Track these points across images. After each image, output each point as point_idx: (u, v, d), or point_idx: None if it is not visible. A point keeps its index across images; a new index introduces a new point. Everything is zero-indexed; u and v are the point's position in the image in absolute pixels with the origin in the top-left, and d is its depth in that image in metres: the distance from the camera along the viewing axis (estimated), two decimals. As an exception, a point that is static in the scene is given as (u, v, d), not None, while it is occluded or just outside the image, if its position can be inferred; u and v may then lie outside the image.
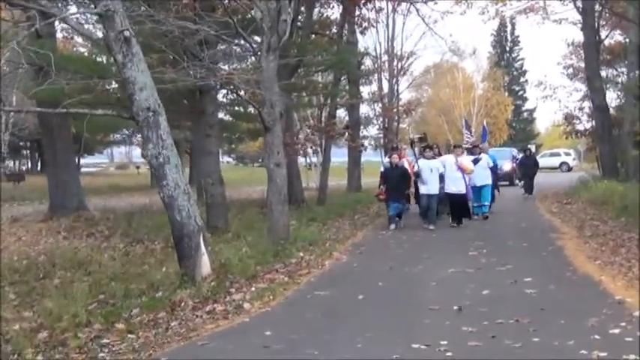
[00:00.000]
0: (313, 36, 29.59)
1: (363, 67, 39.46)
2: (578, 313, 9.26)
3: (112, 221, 23.07)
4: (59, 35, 34.18)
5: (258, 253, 14.78)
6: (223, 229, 18.98)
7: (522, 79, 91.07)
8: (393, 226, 20.40)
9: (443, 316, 9.51)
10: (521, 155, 37.66)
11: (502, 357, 7.49)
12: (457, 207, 20.98)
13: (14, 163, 71.12)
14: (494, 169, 24.50)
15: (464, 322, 9.02)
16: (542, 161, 63.08)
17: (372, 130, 47.05)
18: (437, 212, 20.94)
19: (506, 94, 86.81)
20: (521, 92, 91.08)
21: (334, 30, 32.04)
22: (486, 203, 23.13)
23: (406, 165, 21.43)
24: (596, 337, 8.06)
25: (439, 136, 74.34)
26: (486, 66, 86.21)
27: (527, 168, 32.30)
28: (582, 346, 7.61)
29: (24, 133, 54.47)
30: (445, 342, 8.03)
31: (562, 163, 66.03)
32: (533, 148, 57.04)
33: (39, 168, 65.70)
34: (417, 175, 20.77)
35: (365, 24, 33.37)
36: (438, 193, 20.66)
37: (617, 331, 8.30)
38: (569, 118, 38.24)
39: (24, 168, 69.08)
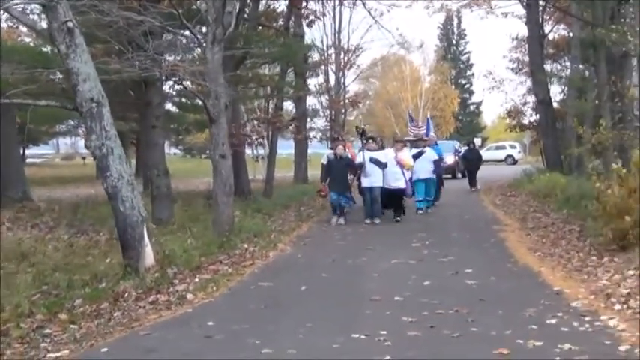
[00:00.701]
0: (260, 28, 29.55)
1: (310, 59, 39.45)
2: (516, 304, 9.43)
3: (57, 212, 22.86)
4: (4, 25, 33.97)
5: (203, 245, 14.82)
6: (169, 220, 18.93)
7: (469, 73, 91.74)
8: (334, 220, 20.13)
9: (384, 306, 9.64)
10: (464, 149, 37.93)
11: (440, 346, 7.61)
12: (394, 202, 20.66)
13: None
14: (438, 163, 24.44)
15: (404, 312, 9.14)
16: (488, 154, 63.95)
17: (319, 122, 47.04)
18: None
19: (453, 87, 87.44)
20: (467, 85, 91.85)
21: (281, 22, 32.00)
22: (429, 198, 23.07)
23: (350, 156, 21.41)
24: (533, 326, 8.23)
25: (386, 128, 74.68)
26: (433, 59, 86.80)
27: (471, 162, 32.59)
28: (519, 336, 7.74)
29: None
30: (385, 332, 8.14)
31: (507, 156, 66.73)
32: (479, 141, 57.60)
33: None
34: (361, 167, 20.40)
35: (311, 16, 33.48)
36: (381, 185, 20.20)
37: (553, 321, 8.47)
38: (512, 112, 38.68)
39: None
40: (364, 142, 21.54)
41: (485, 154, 63.96)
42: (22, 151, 75.07)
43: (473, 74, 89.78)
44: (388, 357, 7.17)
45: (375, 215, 20.13)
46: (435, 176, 23.71)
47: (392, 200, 20.60)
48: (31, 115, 29.43)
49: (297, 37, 32.13)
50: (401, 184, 20.48)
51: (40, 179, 41.88)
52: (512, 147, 68.59)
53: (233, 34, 21.37)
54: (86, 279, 11.76)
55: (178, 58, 20.51)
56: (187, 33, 18.03)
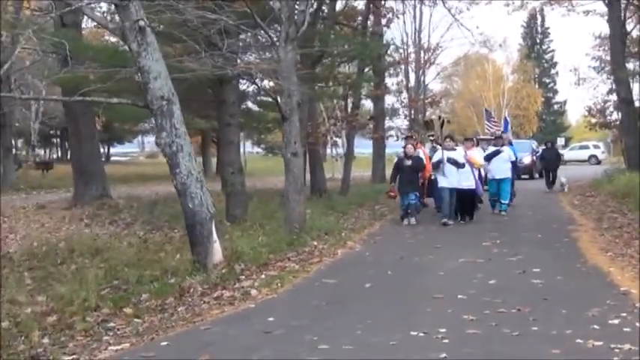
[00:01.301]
0: (338, 27, 29.60)
1: (389, 58, 39.41)
2: (581, 304, 9.29)
3: (136, 209, 23.30)
4: (90, 25, 34.58)
5: (274, 242, 14.94)
6: (243, 217, 19.10)
7: (553, 71, 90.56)
8: (406, 222, 19.31)
9: (446, 304, 9.59)
10: (541, 148, 37.13)
11: (498, 344, 7.56)
12: (465, 203, 19.71)
13: (44, 152, 71.75)
14: (514, 163, 23.33)
15: (466, 310, 9.09)
16: (571, 154, 63.11)
17: (398, 122, 47.01)
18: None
19: (537, 86, 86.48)
20: (551, 84, 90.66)
21: (360, 21, 32.04)
22: (504, 202, 21.50)
23: (422, 155, 20.67)
24: (595, 326, 8.11)
25: (468, 128, 74.19)
26: (516, 58, 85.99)
27: (549, 162, 31.46)
28: (579, 336, 7.64)
29: (54, 121, 55.00)
30: (444, 329, 8.10)
31: (591, 156, 65.64)
32: (562, 140, 56.82)
33: (68, 156, 66.26)
34: (437, 166, 19.44)
35: (390, 15, 33.47)
36: (458, 186, 19.18)
37: (616, 321, 8.33)
38: (593, 110, 38.08)
39: (54, 156, 69.67)
40: (440, 138, 20.86)
41: (568, 153, 63.32)
42: (107, 149, 77.07)
43: (557, 73, 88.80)
44: (444, 355, 7.13)
45: (450, 216, 19.04)
46: (510, 176, 22.29)
47: (464, 202, 19.68)
48: (113, 114, 30.05)
49: (376, 36, 32.14)
50: (471, 183, 19.52)
51: (123, 177, 42.72)
52: (596, 147, 67.43)
53: (309, 33, 21.51)
54: (156, 274, 11.96)
55: (253, 57, 20.70)
56: (262, 32, 18.12)
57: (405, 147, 20.60)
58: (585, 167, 51.81)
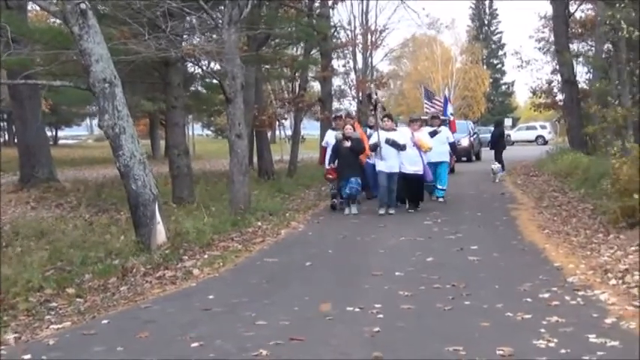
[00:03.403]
0: (284, 9, 29.65)
1: (336, 40, 39.55)
2: (514, 279, 9.60)
3: (82, 192, 23.27)
4: (36, 7, 34.28)
5: (219, 223, 15.10)
6: (188, 199, 19.20)
7: (500, 53, 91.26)
8: (347, 212, 17.84)
9: (383, 281, 9.84)
10: (479, 128, 36.88)
11: (430, 319, 7.80)
12: (412, 189, 18.18)
13: (-10, 135, 71.00)
14: (454, 145, 22.01)
15: (402, 286, 9.33)
16: (518, 135, 63.73)
17: (346, 103, 47.17)
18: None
19: (485, 67, 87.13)
20: (499, 65, 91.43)
21: (306, 2, 32.08)
22: (441, 187, 20.10)
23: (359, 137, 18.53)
24: (528, 300, 8.41)
25: (417, 109, 74.42)
26: (465, 39, 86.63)
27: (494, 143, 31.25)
28: (510, 309, 7.91)
29: (0, 105, 54.44)
30: (379, 305, 8.33)
31: (538, 137, 66.25)
32: (509, 121, 57.34)
33: (15, 140, 65.57)
34: (374, 148, 17.80)
35: (335, -4, 33.60)
36: (398, 171, 17.63)
37: (547, 295, 8.61)
38: (537, 91, 38.43)
39: (1, 140, 68.88)
40: (374, 114, 19.39)
41: (515, 134, 63.99)
42: (54, 133, 76.25)
43: (505, 54, 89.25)
44: (377, 328, 7.35)
45: (390, 205, 17.63)
46: (449, 160, 20.82)
47: (409, 187, 18.11)
48: (60, 96, 29.90)
49: (323, 18, 32.22)
50: (418, 168, 17.90)
51: (71, 160, 42.54)
52: (543, 127, 67.93)
53: (255, 15, 21.60)
54: (100, 256, 12.05)
55: (198, 40, 20.74)
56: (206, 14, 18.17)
57: (341, 127, 18.81)
58: (532, 147, 52.44)
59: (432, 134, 19.64)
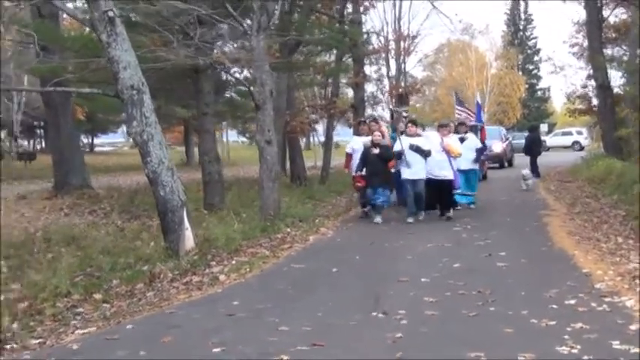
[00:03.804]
0: (315, 15, 29.66)
1: (369, 46, 39.58)
2: (541, 285, 9.54)
3: (116, 199, 23.41)
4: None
5: (249, 229, 15.16)
6: (220, 205, 19.26)
7: (536, 58, 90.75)
8: (378, 219, 17.31)
9: (409, 287, 9.83)
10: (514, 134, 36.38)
11: (453, 324, 7.78)
12: (442, 195, 17.69)
13: (28, 143, 71.59)
14: (481, 151, 20.86)
15: (427, 293, 9.33)
16: (554, 140, 63.15)
17: (379, 109, 47.14)
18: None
19: (520, 73, 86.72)
20: (535, 71, 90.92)
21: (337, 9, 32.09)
22: (471, 193, 19.74)
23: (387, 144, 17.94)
24: (553, 306, 8.36)
25: (452, 115, 74.25)
26: (500, 45, 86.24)
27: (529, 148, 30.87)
28: (535, 316, 7.89)
29: (37, 112, 54.83)
30: (403, 311, 8.35)
31: (574, 142, 65.66)
32: (545, 127, 56.86)
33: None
34: (399, 156, 17.28)
35: (366, 3, 33.60)
36: (424, 177, 17.23)
37: (573, 301, 8.57)
38: (571, 97, 38.22)
39: (38, 147, 69.50)
40: (400, 123, 19.03)
41: (551, 140, 63.45)
42: (91, 140, 76.87)
43: (540, 59, 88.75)
44: (400, 334, 7.36)
45: (417, 212, 17.31)
46: (477, 167, 20.42)
47: (438, 193, 17.59)
48: (94, 104, 30.11)
49: (355, 24, 32.21)
50: (448, 173, 17.51)
51: (106, 167, 42.81)
52: (579, 133, 67.25)
53: (286, 21, 21.67)
54: (130, 262, 12.10)
55: (229, 47, 20.85)
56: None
57: (370, 133, 18.21)
58: (568, 153, 52.06)
59: (460, 141, 18.83)
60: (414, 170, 17.17)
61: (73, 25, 36.81)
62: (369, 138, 17.96)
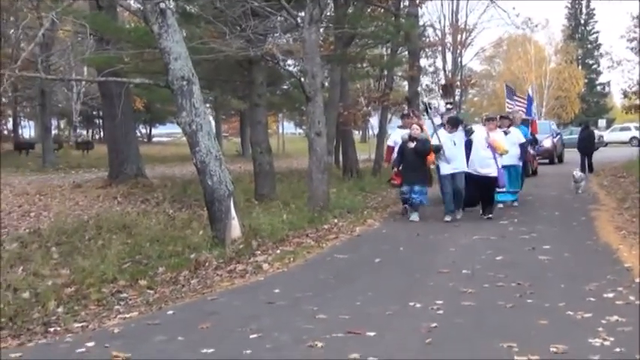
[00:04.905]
0: (371, 8, 29.69)
1: (426, 39, 39.53)
2: (581, 279, 9.53)
3: (169, 188, 23.71)
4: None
5: (297, 219, 15.32)
6: (270, 196, 19.46)
7: (596, 53, 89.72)
8: (414, 217, 16.48)
9: (449, 278, 9.89)
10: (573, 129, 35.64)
11: (489, 315, 7.83)
12: (485, 193, 16.71)
13: (87, 132, 72.57)
14: (525, 147, 19.26)
15: (466, 284, 9.38)
16: (612, 136, 62.24)
17: (434, 102, 47.04)
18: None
19: (580, 67, 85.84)
20: (595, 66, 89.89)
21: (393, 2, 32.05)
22: (514, 190, 18.70)
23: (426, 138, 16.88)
24: (590, 299, 8.36)
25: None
26: (560, 39, 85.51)
27: (584, 145, 29.76)
28: (571, 308, 7.89)
29: (95, 102, 55.61)
30: (440, 301, 8.41)
31: (632, 138, 64.72)
32: (603, 122, 56.16)
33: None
34: (437, 150, 16.38)
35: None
36: (466, 170, 16.41)
37: (611, 295, 8.55)
38: (628, 92, 37.78)
39: (96, 137, 70.43)
40: (432, 118, 17.98)
41: (609, 135, 62.56)
42: (149, 130, 77.64)
43: (600, 54, 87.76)
44: (435, 324, 7.43)
45: (456, 209, 16.50)
46: (521, 163, 19.11)
47: (484, 193, 16.74)
48: (152, 94, 30.51)
49: (411, 17, 32.18)
50: (492, 171, 16.54)
51: (162, 157, 43.25)
52: (638, 128, 66.33)
53: (339, 14, 21.77)
54: (178, 250, 12.31)
55: (284, 39, 21.00)
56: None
57: (408, 126, 17.50)
58: (626, 149, 51.35)
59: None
60: (456, 164, 16.34)
61: (133, 18, 37.39)
62: (407, 131, 17.15)
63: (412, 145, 16.55)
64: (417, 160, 16.56)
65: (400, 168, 17.04)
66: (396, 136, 18.66)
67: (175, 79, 12.45)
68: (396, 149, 17.75)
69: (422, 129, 17.14)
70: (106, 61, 17.88)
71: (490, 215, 16.45)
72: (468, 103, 77.43)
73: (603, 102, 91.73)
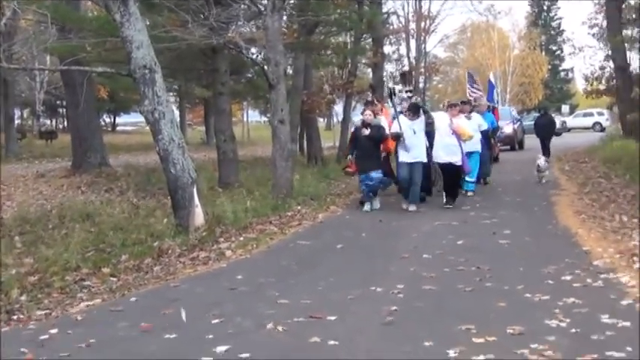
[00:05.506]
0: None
1: (390, 26, 39.61)
2: (540, 262, 9.66)
3: (133, 177, 23.69)
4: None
5: (260, 207, 15.39)
6: (234, 184, 19.51)
7: (559, 39, 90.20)
8: (366, 208, 16.09)
9: (410, 263, 10.01)
10: (535, 115, 35.49)
11: (449, 299, 7.95)
12: (449, 181, 16.28)
13: (50, 122, 72.06)
14: (485, 133, 19.15)
15: (427, 269, 9.49)
16: (575, 121, 62.79)
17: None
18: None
19: (543, 53, 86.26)
20: (558, 52, 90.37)
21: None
22: (470, 180, 18.15)
23: (384, 123, 16.81)
24: (549, 282, 8.51)
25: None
26: (523, 25, 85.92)
27: (542, 130, 29.31)
28: (529, 291, 8.02)
29: (59, 91, 55.24)
30: (402, 285, 8.53)
31: (595, 123, 65.22)
32: (566, 108, 56.43)
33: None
34: (397, 137, 15.91)
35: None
36: (425, 161, 16.03)
37: (569, 277, 8.70)
38: (589, 79, 38.10)
39: (60, 126, 69.93)
40: (395, 104, 17.09)
41: (572, 121, 63.16)
42: (113, 119, 77.20)
43: (563, 40, 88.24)
44: (395, 307, 7.54)
45: (412, 201, 15.93)
46: (480, 149, 18.45)
47: (444, 179, 16.46)
48: (116, 84, 30.42)
49: (374, 4, 32.25)
50: (456, 158, 16.06)
51: (127, 146, 43.10)
52: (600, 114, 66.70)
53: (302, 2, 21.82)
54: (141, 238, 12.35)
55: (248, 27, 21.04)
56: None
57: (362, 113, 17.20)
58: (589, 134, 51.75)
59: None
60: (414, 153, 15.77)
61: (95, 7, 37.18)
62: (360, 117, 17.04)
63: (366, 132, 16.10)
64: (371, 147, 16.09)
65: (354, 156, 16.62)
66: (358, 123, 18.09)
67: (137, 67, 12.47)
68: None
69: (375, 114, 16.90)
70: (69, 49, 17.86)
71: (451, 205, 15.95)
72: (432, 89, 77.71)
73: (567, 88, 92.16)
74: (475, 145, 17.79)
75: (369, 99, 20.53)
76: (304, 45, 24.61)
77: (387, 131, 16.40)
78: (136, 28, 12.51)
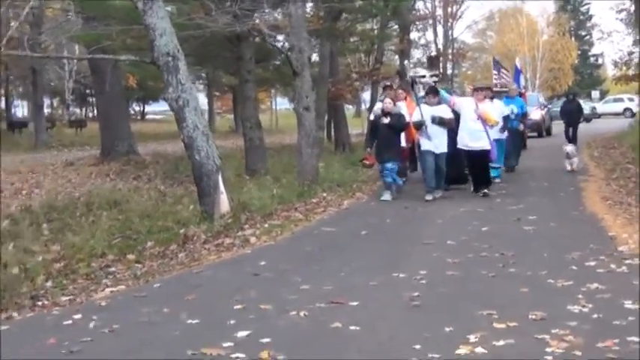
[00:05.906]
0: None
1: (416, 12, 39.49)
2: (565, 248, 9.64)
3: (161, 165, 23.80)
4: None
5: (286, 194, 15.43)
6: (261, 171, 19.53)
7: (589, 24, 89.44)
8: (387, 196, 15.37)
9: (434, 249, 10.01)
10: (562, 101, 34.73)
11: (471, 284, 7.96)
12: (478, 169, 15.67)
13: (80, 110, 72.36)
14: (506, 119, 17.70)
15: (451, 255, 9.50)
16: (605, 107, 62.22)
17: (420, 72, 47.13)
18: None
19: (573, 39, 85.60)
20: (587, 37, 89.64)
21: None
22: (496, 165, 17.33)
23: (404, 111, 16.24)
24: (573, 267, 8.51)
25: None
26: (552, 10, 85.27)
27: (569, 116, 28.68)
28: (552, 276, 8.02)
29: (88, 80, 55.48)
30: (424, 271, 8.53)
31: (625, 109, 64.58)
32: (596, 93, 55.88)
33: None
34: (419, 126, 15.40)
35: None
36: (447, 150, 15.36)
37: (593, 263, 8.68)
38: (617, 64, 37.77)
39: (89, 115, 70.23)
40: (416, 93, 16.72)
41: (602, 107, 62.57)
42: (142, 108, 77.44)
43: (592, 26, 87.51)
44: (417, 293, 7.55)
45: (436, 188, 15.40)
46: (504, 137, 17.91)
47: (477, 167, 15.72)
48: (145, 72, 30.51)
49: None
50: (484, 144, 15.40)
51: (155, 134, 43.23)
52: (631, 100, 65.93)
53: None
54: (168, 225, 12.40)
55: (274, 15, 21.06)
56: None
57: (382, 101, 16.61)
58: (619, 120, 51.32)
59: None
60: (436, 142, 15.27)
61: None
62: (379, 105, 16.49)
63: (386, 120, 15.42)
64: (391, 136, 15.52)
65: (373, 147, 16.06)
66: (377, 109, 16.89)
67: (161, 55, 12.52)
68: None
69: (395, 102, 16.26)
70: (95, 38, 17.95)
71: (486, 191, 15.33)
72: (461, 76, 77.28)
73: (596, 73, 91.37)
74: (497, 132, 16.72)
75: (388, 83, 20.34)
76: (329, 32, 24.57)
77: (408, 119, 15.88)
78: (159, 15, 12.55)
